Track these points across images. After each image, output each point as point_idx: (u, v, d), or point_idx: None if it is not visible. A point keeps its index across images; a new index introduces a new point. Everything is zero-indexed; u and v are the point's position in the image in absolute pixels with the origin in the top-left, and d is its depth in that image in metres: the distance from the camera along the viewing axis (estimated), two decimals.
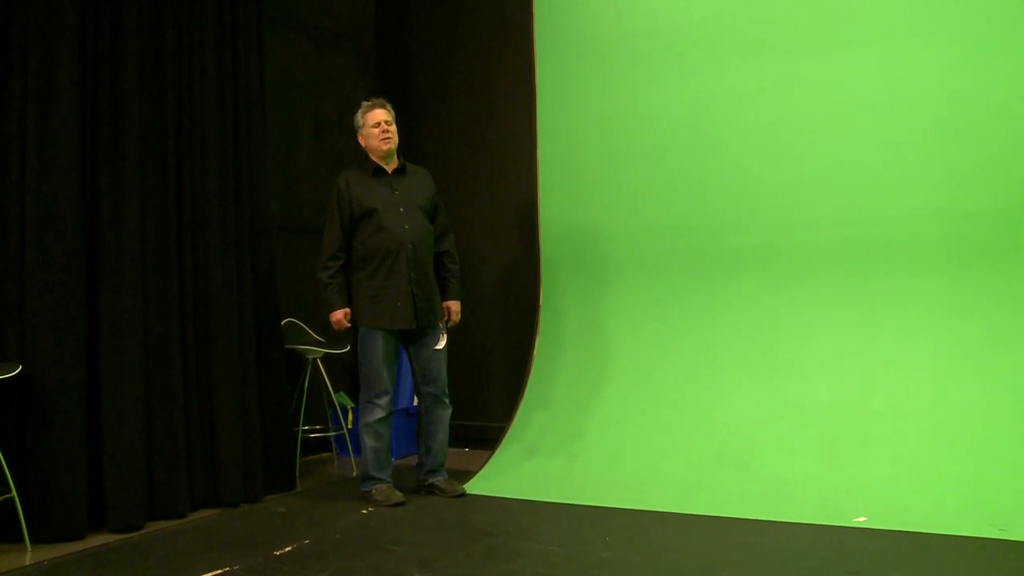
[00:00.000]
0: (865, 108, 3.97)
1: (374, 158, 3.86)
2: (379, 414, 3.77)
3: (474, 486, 3.99)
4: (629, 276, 4.50)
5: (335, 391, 4.81)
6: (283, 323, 4.37)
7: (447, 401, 3.92)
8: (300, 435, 4.49)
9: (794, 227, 4.11)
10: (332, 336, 4.39)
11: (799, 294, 4.07)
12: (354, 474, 4.45)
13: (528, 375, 4.53)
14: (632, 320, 4.42)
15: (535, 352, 4.57)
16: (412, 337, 3.85)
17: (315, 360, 4.57)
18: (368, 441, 3.78)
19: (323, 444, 5.09)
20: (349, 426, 4.77)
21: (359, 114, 3.88)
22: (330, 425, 4.91)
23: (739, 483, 3.66)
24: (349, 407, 4.82)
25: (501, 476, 4.06)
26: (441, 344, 3.86)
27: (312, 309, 4.63)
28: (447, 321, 3.98)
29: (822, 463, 3.68)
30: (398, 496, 3.76)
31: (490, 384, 5.00)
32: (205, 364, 3.88)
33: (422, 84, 5.45)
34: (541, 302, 4.66)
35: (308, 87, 5.15)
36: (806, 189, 4.08)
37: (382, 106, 3.87)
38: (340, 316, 3.75)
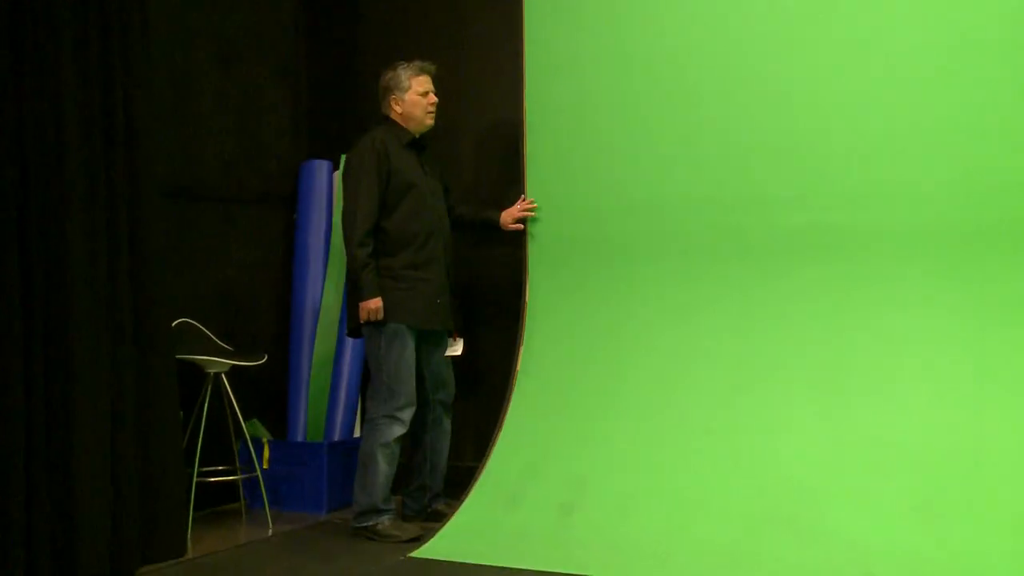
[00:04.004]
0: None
1: (408, 127, 3.94)
2: (399, 431, 3.82)
3: (434, 548, 3.69)
4: (645, 266, 4.13)
5: (246, 419, 4.39)
6: (174, 324, 3.95)
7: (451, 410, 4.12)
8: (195, 479, 4.11)
9: (870, 201, 3.74)
10: (243, 343, 4.28)
11: (878, 292, 3.71)
12: (270, 532, 4.10)
13: (508, 399, 4.17)
14: (649, 325, 4.08)
15: (517, 368, 4.22)
16: (425, 338, 3.95)
17: (219, 376, 4.19)
18: (383, 466, 3.81)
19: (228, 491, 4.60)
20: (264, 466, 4.43)
21: (403, 74, 3.92)
22: (238, 465, 4.49)
23: (796, 550, 3.38)
24: (265, 440, 4.48)
25: (472, 535, 3.77)
26: (458, 350, 4.06)
27: (219, 304, 4.47)
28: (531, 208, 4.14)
29: (913, 525, 3.32)
30: (412, 529, 3.82)
31: (463, 410, 4.63)
32: (59, 382, 3.41)
33: (371, 7, 5.01)
34: (527, 300, 4.30)
35: (209, 1, 4.74)
36: (887, 151, 3.71)
37: (430, 72, 3.95)
38: (380, 304, 3.79)
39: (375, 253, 3.86)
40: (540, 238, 4.38)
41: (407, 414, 3.84)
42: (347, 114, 4.79)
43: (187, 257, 4.41)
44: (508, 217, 4.10)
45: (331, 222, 4.60)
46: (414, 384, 3.86)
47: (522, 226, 4.07)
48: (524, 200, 4.10)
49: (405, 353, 3.83)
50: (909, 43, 3.73)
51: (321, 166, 4.64)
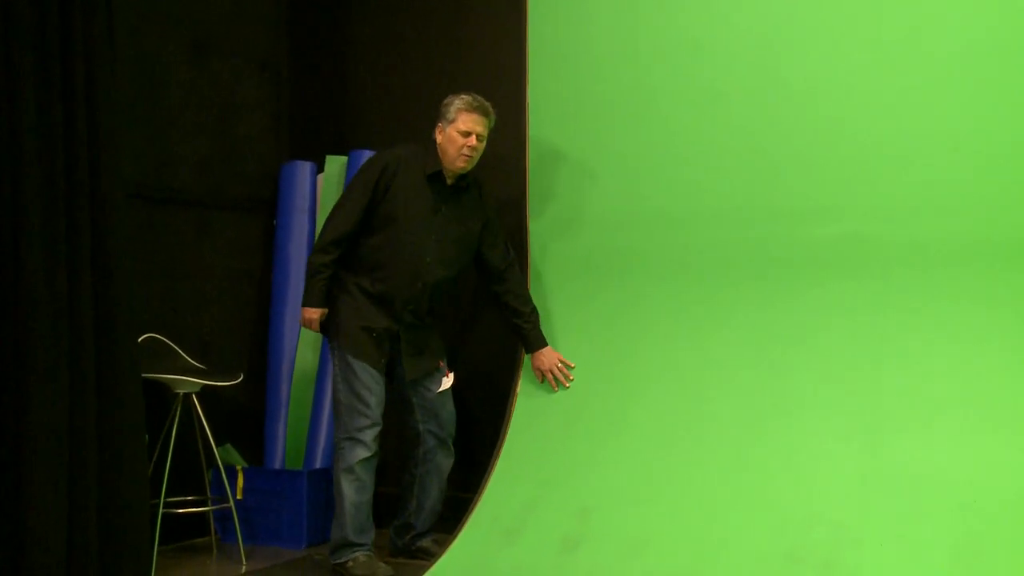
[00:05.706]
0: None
1: (442, 160, 3.86)
2: (363, 454, 3.72)
3: None
4: (659, 282, 4.07)
5: (218, 444, 4.28)
6: (141, 339, 3.89)
7: (451, 447, 3.97)
8: (161, 511, 3.98)
9: (909, 211, 3.66)
10: (216, 361, 4.27)
11: (917, 312, 3.62)
12: (244, 569, 4.03)
13: (507, 423, 4.09)
14: (663, 345, 4.00)
15: (517, 389, 4.14)
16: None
17: (189, 396, 4.09)
18: (348, 493, 3.73)
19: (198, 524, 4.47)
20: (238, 496, 4.31)
21: (453, 105, 3.84)
22: (209, 495, 4.36)
23: None
24: (239, 467, 4.36)
25: (466, 573, 3.68)
26: (445, 386, 3.97)
27: (190, 318, 4.44)
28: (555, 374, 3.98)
29: (955, 568, 3.17)
30: (383, 569, 3.71)
31: (463, 438, 4.48)
32: (11, 400, 3.25)
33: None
34: None
35: None
36: (929, 157, 3.63)
37: (485, 113, 3.81)
38: (316, 317, 3.83)
39: (342, 262, 3.82)
40: (544, 250, 4.31)
41: (369, 435, 3.73)
42: (332, 111, 4.68)
43: (156, 266, 4.33)
44: (540, 363, 3.93)
45: (314, 229, 4.48)
46: (377, 402, 3.77)
47: (540, 376, 3.91)
48: (568, 369, 3.92)
49: (363, 370, 3.75)
50: (956, 41, 3.63)
51: (304, 168, 4.53)
